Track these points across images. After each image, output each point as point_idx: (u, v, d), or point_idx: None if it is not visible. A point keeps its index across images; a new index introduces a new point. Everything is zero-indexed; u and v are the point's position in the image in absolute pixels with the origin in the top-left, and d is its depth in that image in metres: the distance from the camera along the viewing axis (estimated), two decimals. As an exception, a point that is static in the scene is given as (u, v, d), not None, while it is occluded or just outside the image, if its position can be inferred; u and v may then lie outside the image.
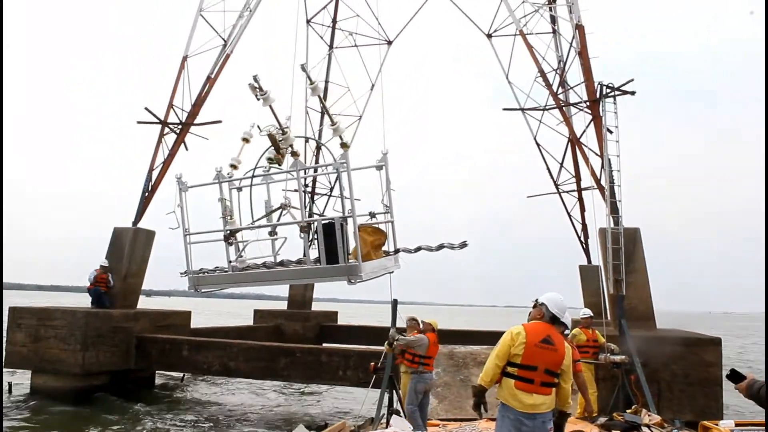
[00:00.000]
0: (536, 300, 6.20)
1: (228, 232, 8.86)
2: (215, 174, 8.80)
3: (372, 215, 9.02)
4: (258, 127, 8.31)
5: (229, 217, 9.00)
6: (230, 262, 8.93)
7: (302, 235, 8.30)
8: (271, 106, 8.22)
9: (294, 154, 8.55)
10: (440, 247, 8.49)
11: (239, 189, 9.04)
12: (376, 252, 8.52)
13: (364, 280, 7.93)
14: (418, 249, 8.73)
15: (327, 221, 7.96)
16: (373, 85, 27.60)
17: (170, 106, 21.29)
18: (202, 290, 9.17)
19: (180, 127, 21.10)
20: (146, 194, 20.88)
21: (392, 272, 8.92)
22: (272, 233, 8.53)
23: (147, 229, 20.61)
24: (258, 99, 8.07)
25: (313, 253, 8.28)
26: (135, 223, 20.59)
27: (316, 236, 8.11)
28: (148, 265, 20.74)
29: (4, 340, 17.69)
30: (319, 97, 8.73)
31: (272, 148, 8.52)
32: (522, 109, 22.95)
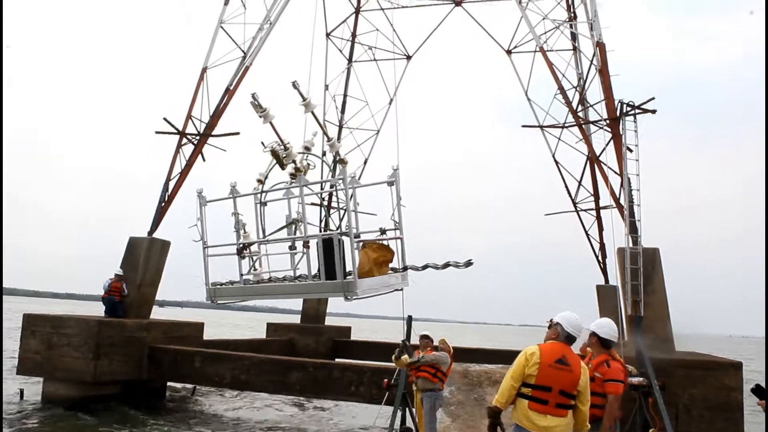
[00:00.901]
0: (551, 320, 6.18)
1: (241, 245, 9.35)
2: (230, 189, 9.37)
3: (382, 231, 9.11)
4: (262, 143, 8.62)
5: (242, 231, 9.49)
6: (242, 275, 9.44)
7: (304, 250, 8.73)
8: (271, 123, 8.50)
9: (297, 170, 8.80)
10: (446, 265, 8.65)
11: (263, 203, 9.53)
12: (380, 269, 8.60)
13: (360, 297, 8.10)
14: (425, 267, 8.87)
15: (326, 237, 8.15)
16: (391, 100, 27.73)
17: (189, 116, 21.46)
18: (219, 302, 9.58)
19: (198, 138, 21.24)
20: (162, 204, 20.97)
21: (400, 289, 9.01)
22: (292, 247, 8.78)
23: (162, 239, 20.69)
24: (259, 116, 8.45)
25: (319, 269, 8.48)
26: (150, 232, 20.68)
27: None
28: (163, 275, 20.80)
29: (18, 346, 17.91)
30: (313, 114, 8.81)
31: (291, 164, 8.88)
32: (541, 126, 22.90)
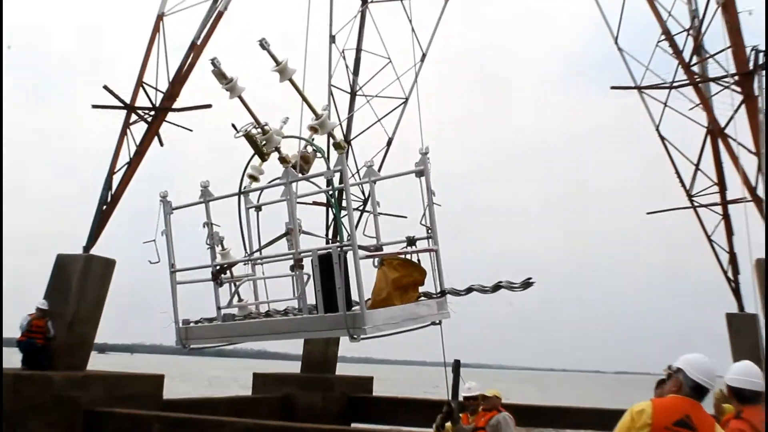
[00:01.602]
0: (670, 366, 6.17)
1: (216, 267, 9.36)
2: (201, 189, 9.49)
3: (410, 242, 9.19)
4: (233, 126, 8.80)
5: (219, 248, 9.58)
6: (219, 308, 9.46)
7: (296, 272, 8.64)
8: (241, 98, 8.69)
9: (282, 160, 8.95)
10: (497, 287, 8.52)
11: (258, 208, 9.70)
12: (404, 294, 8.67)
13: (373, 334, 8.16)
14: (470, 290, 8.80)
15: (324, 252, 8.26)
16: (424, 54, 27.50)
17: (139, 83, 21.61)
18: (192, 346, 9.84)
19: (153, 113, 21.46)
20: (104, 208, 21.14)
21: (437, 323, 9.03)
22: (294, 268, 8.81)
23: (104, 257, 20.84)
24: (224, 89, 8.69)
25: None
26: (87, 248, 20.82)
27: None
28: (105, 308, 20.89)
29: None
30: (292, 83, 8.78)
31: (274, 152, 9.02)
32: (638, 88, 22.72)
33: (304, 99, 9.11)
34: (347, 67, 28.30)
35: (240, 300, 9.72)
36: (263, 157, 8.96)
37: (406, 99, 27.68)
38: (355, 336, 7.87)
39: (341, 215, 8.44)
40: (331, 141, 9.61)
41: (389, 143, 27.62)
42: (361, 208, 26.72)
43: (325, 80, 27.59)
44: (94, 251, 20.83)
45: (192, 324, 9.76)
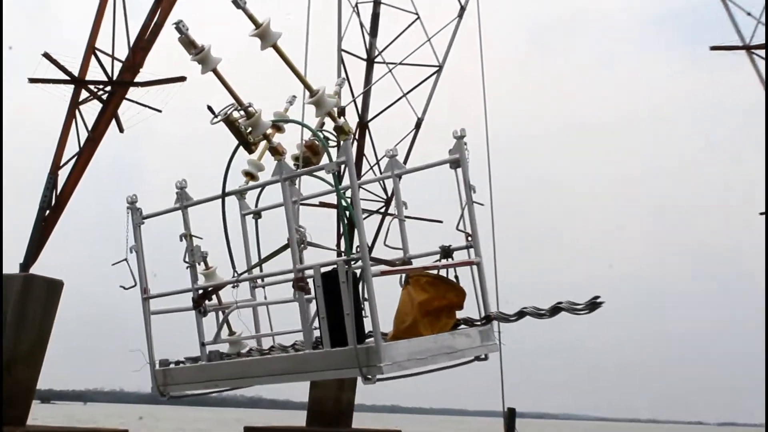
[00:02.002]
0: None
1: (199, 292, 9.33)
2: (176, 191, 9.42)
3: (445, 253, 9.09)
4: (210, 109, 8.78)
5: (201, 266, 9.50)
6: (203, 344, 9.43)
7: (296, 295, 8.64)
8: (216, 72, 8.62)
9: (274, 151, 9.02)
10: (555, 310, 8.45)
11: (257, 215, 9.80)
12: (436, 321, 8.60)
13: (393, 375, 8.08)
14: (521, 314, 8.68)
15: (329, 269, 8.16)
16: (462, 8, 27.62)
17: (90, 50, 22.03)
18: (172, 394, 9.77)
19: (109, 89, 21.86)
20: (46, 213, 21.49)
21: (482, 358, 8.96)
22: (295, 289, 8.82)
23: (48, 278, 21.10)
24: (192, 60, 8.58)
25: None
26: (26, 266, 21.10)
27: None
28: (50, 343, 21.12)
29: None
30: (277, 50, 8.74)
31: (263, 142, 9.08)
32: (747, 47, 22.59)
33: (293, 70, 8.99)
34: (362, 25, 28.33)
35: (231, 333, 9.70)
36: (249, 148, 8.98)
37: (440, 66, 27.74)
38: (369, 376, 7.76)
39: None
40: (332, 124, 9.32)
41: (418, 125, 27.66)
42: (382, 210, 26.75)
43: (333, 44, 27.60)
44: (34, 270, 21.06)
45: (172, 365, 9.71)
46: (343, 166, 8.05)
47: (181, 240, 9.46)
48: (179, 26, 8.42)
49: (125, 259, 9.53)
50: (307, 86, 8.87)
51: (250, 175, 9.49)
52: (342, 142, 8.32)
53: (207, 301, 9.39)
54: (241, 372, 9.35)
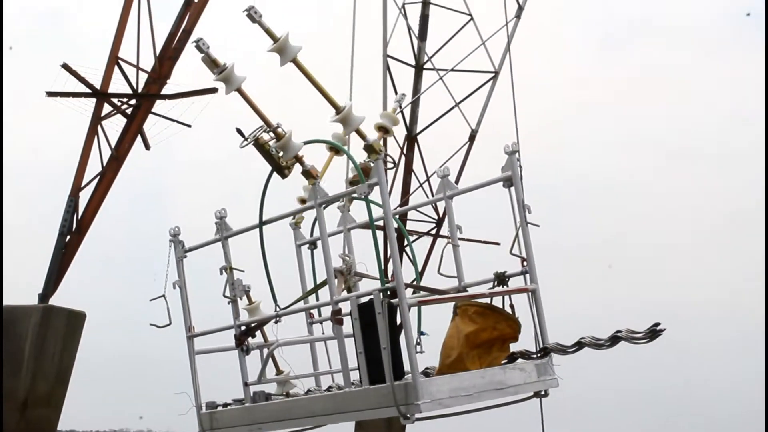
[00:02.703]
0: None
1: (241, 329, 9.52)
2: (216, 220, 9.58)
3: (500, 280, 9.04)
4: (239, 132, 8.93)
5: (242, 300, 9.73)
6: (246, 384, 9.58)
7: (335, 329, 8.73)
8: (241, 91, 8.77)
9: (308, 174, 9.14)
10: (615, 339, 8.39)
11: (312, 245, 10.12)
12: (486, 355, 8.49)
13: (431, 413, 7.98)
14: (580, 346, 8.62)
15: (366, 300, 8.23)
16: (521, 8, 27.39)
17: (113, 61, 21.78)
18: None
19: (134, 102, 21.68)
20: (67, 239, 21.21)
21: (543, 394, 8.84)
22: (336, 320, 8.75)
23: (70, 309, 20.86)
24: (215, 80, 8.82)
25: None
26: (45, 297, 20.80)
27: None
28: (72, 380, 20.87)
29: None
30: (297, 64, 8.68)
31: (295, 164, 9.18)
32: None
33: (317, 85, 8.74)
34: (410, 28, 27.95)
35: (279, 372, 9.84)
36: (282, 172, 9.05)
37: (496, 72, 27.37)
38: (409, 416, 7.66)
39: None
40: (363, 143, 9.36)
41: (472, 138, 27.22)
42: (433, 232, 26.37)
43: (378, 49, 26.94)
44: (54, 301, 20.81)
45: (220, 408, 9.82)
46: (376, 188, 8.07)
47: (221, 273, 9.61)
48: (199, 45, 8.73)
49: (163, 295, 9.78)
50: (332, 103, 8.90)
51: (304, 202, 9.74)
52: (376, 163, 8.25)
53: (250, 339, 9.55)
54: (284, 413, 9.24)
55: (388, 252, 10.40)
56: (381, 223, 9.25)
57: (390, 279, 8.15)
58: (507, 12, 26.96)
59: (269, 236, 9.44)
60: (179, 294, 9.66)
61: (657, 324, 8.14)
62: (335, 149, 9.58)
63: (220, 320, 9.64)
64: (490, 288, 8.96)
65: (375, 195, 8.42)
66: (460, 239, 9.42)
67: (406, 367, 8.01)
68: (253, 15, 8.34)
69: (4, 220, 20.14)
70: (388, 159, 9.99)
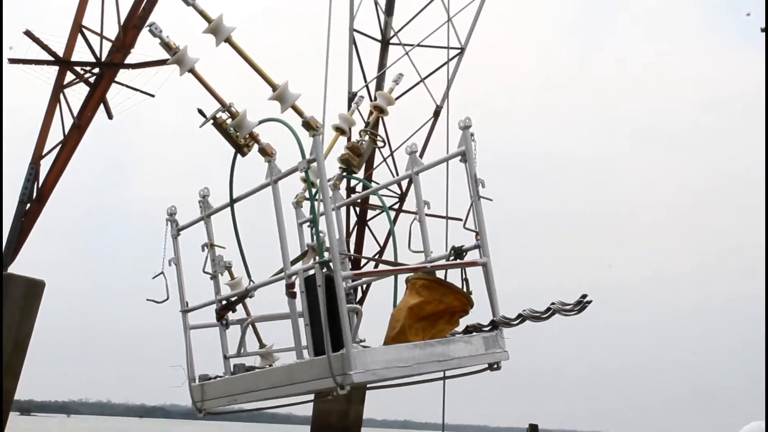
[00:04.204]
0: None
1: (222, 303, 9.75)
2: (200, 199, 9.92)
3: (457, 253, 9.14)
4: (200, 112, 9.10)
5: (224, 275, 10.00)
6: (226, 357, 9.85)
7: (289, 302, 8.89)
8: (194, 72, 8.96)
9: (263, 152, 9.20)
10: (549, 312, 8.55)
11: (312, 224, 9.77)
12: (431, 327, 8.69)
13: (369, 383, 8.38)
14: (521, 319, 8.71)
15: (309, 274, 8.48)
16: None
17: (77, 28, 22.03)
18: (207, 412, 10.18)
19: (97, 71, 21.94)
20: (27, 207, 21.61)
21: (494, 366, 8.92)
22: (290, 293, 9.05)
23: (28, 278, 21.16)
24: (169, 63, 8.96)
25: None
26: (4, 264, 21.08)
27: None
28: (30, 350, 21.24)
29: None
30: (231, 43, 8.96)
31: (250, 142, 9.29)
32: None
33: (252, 64, 9.13)
34: (376, 3, 28.53)
35: (262, 346, 10.15)
36: (241, 151, 9.28)
37: (462, 49, 27.82)
38: (344, 386, 7.91)
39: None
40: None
41: (437, 114, 27.82)
42: (396, 207, 26.75)
43: (344, 23, 27.45)
44: (13, 269, 21.11)
45: (211, 380, 10.06)
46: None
47: (203, 250, 9.91)
48: (152, 29, 8.73)
49: (162, 273, 9.95)
50: (267, 81, 9.03)
51: (340, 130, 10.07)
52: (314, 139, 8.43)
53: (231, 313, 9.77)
54: (252, 385, 9.56)
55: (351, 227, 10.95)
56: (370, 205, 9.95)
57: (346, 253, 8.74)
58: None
59: (269, 213, 9.19)
60: (175, 270, 9.94)
61: (584, 296, 8.34)
62: (341, 129, 9.99)
63: (209, 295, 9.87)
64: (447, 260, 9.05)
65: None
66: (427, 215, 9.49)
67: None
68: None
69: None
70: (378, 138, 10.14)
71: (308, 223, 10.10)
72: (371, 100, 26.91)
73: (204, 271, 9.85)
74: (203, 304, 9.94)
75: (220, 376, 10.01)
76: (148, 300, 10.10)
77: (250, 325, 10.05)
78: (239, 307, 9.82)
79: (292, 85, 8.96)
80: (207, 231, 9.85)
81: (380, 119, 10.18)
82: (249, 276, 9.68)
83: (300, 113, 8.87)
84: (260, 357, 9.98)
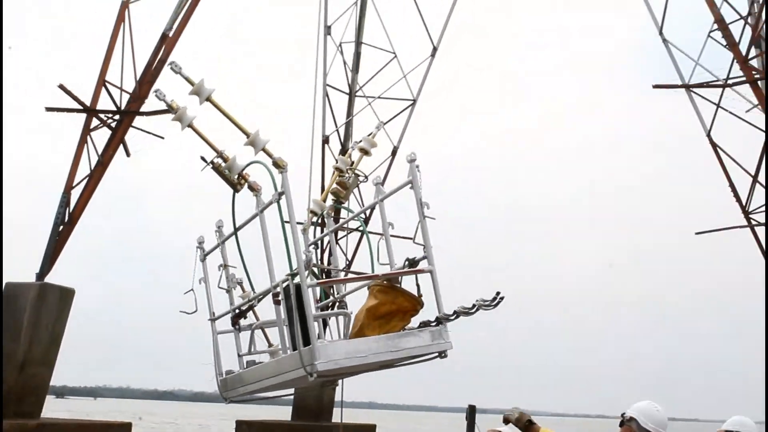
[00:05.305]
0: (623, 414, 7.10)
1: (234, 312, 10.00)
2: (215, 230, 10.19)
3: (411, 263, 9.19)
4: (202, 158, 9.38)
5: (236, 289, 10.26)
6: (240, 355, 10.17)
7: (275, 308, 9.04)
8: (192, 127, 9.30)
9: (251, 187, 9.38)
10: (474, 308, 8.69)
11: (316, 245, 11.10)
12: (386, 324, 8.79)
13: (330, 374, 8.49)
14: (456, 315, 8.83)
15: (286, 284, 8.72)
16: (435, 49, 27.97)
17: (101, 82, 21.71)
18: (231, 400, 10.56)
19: (118, 117, 21.51)
20: (60, 228, 21.20)
21: (439, 355, 9.00)
22: (275, 301, 9.14)
23: (61, 286, 20.89)
24: (173, 120, 9.35)
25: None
26: (42, 275, 20.85)
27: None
28: (63, 345, 20.90)
29: None
30: (212, 102, 9.25)
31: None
32: (687, 86, 22.68)
33: (229, 118, 9.22)
34: (345, 63, 28.62)
35: (270, 345, 10.24)
36: (235, 188, 9.44)
37: (414, 101, 27.99)
38: (313, 375, 8.14)
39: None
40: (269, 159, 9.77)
41: (394, 152, 27.86)
42: (361, 228, 26.73)
43: (319, 79, 27.30)
44: (49, 279, 20.87)
45: (230, 375, 10.37)
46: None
47: (219, 269, 10.16)
48: (158, 95, 9.23)
49: (192, 290, 10.24)
50: (242, 130, 9.22)
51: (313, 213, 10.35)
52: (282, 174, 8.63)
53: (243, 320, 9.95)
54: (254, 377, 9.83)
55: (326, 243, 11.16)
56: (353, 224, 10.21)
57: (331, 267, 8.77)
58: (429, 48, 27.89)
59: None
60: (202, 289, 10.22)
61: (498, 293, 8.55)
62: (364, 150, 10.24)
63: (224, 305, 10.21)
64: (401, 269, 9.07)
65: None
66: (393, 235, 9.45)
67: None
68: (174, 68, 9.09)
69: (7, 214, 20.27)
70: (360, 174, 10.35)
71: (313, 246, 10.61)
72: (340, 142, 27.74)
73: (219, 287, 10.09)
74: (224, 313, 10.11)
75: (232, 371, 10.29)
76: (180, 312, 10.33)
77: (258, 328, 10.22)
78: (249, 313, 9.93)
79: (267, 133, 9.18)
80: (222, 255, 10.06)
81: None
82: (253, 289, 9.93)
83: (269, 155, 9.07)
84: (269, 354, 10.12)
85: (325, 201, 10.42)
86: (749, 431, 8.00)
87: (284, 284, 8.62)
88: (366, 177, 10.07)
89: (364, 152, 10.23)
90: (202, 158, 9.32)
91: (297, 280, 8.46)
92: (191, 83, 9.14)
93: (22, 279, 20.68)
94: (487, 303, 8.60)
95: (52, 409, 21.45)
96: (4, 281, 20.45)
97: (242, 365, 10.04)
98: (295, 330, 8.30)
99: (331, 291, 10.55)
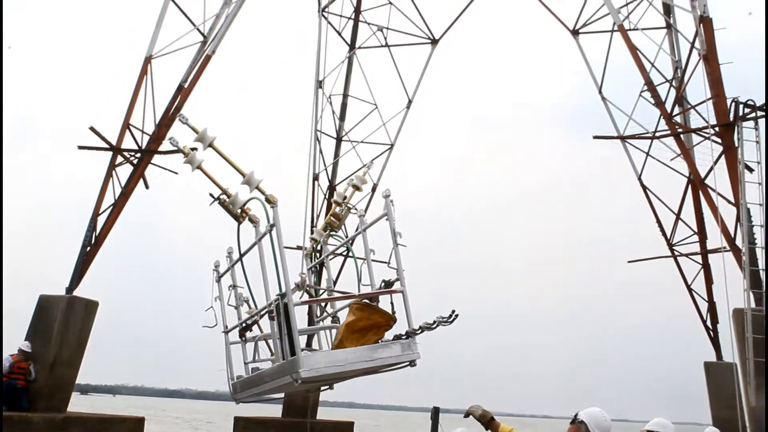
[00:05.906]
0: (576, 415, 7.02)
1: (242, 325, 10.12)
2: (227, 254, 10.33)
3: (387, 284, 9.25)
4: (211, 195, 9.50)
5: (246, 307, 10.32)
6: (246, 363, 10.22)
7: (270, 324, 9.02)
8: (201, 169, 9.40)
9: (251, 220, 9.43)
10: (435, 324, 8.72)
11: (317, 268, 10.80)
12: (362, 338, 8.80)
13: (314, 381, 8.56)
14: (421, 329, 8.87)
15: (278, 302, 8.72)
16: (410, 101, 28.16)
17: (126, 126, 21.76)
18: (241, 401, 10.65)
19: (139, 155, 21.58)
20: (88, 249, 21.24)
21: (410, 364, 9.02)
22: (270, 317, 9.17)
23: (87, 299, 20.90)
24: (184, 163, 9.50)
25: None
26: (70, 289, 20.85)
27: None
28: (87, 349, 20.92)
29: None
30: (214, 148, 9.47)
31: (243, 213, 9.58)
32: (622, 137, 23.00)
33: (229, 162, 9.34)
34: (333, 112, 28.70)
35: (272, 354, 10.10)
36: (237, 220, 9.49)
37: (392, 145, 28.14)
38: (297, 381, 8.18)
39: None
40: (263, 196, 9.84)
41: (374, 189, 27.76)
42: (344, 253, 26.81)
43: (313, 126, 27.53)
44: (77, 292, 20.86)
45: (238, 380, 10.41)
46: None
47: (229, 290, 10.32)
48: (171, 141, 9.39)
49: (212, 307, 10.39)
50: (239, 171, 9.32)
51: (315, 241, 10.72)
52: (273, 209, 8.65)
53: (248, 332, 10.09)
54: (257, 381, 9.84)
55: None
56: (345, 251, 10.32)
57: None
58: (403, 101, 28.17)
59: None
60: (216, 307, 10.39)
61: (453, 311, 8.61)
62: (356, 187, 10.47)
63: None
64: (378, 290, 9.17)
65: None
66: (374, 260, 9.54)
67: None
68: (181, 120, 9.30)
69: (46, 235, 20.47)
70: (353, 208, 10.55)
71: (313, 268, 10.74)
72: (329, 180, 27.87)
73: (228, 304, 10.22)
74: (234, 327, 10.15)
75: (242, 376, 10.34)
76: (203, 327, 10.45)
77: (261, 340, 10.21)
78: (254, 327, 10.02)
79: (261, 173, 9.21)
80: (232, 277, 10.18)
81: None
82: (256, 306, 9.94)
83: (262, 192, 9.18)
84: (271, 362, 10.00)
85: (325, 230, 10.54)
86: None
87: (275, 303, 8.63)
88: (358, 210, 10.17)
89: (356, 188, 10.43)
90: (210, 195, 9.40)
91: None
92: (196, 131, 9.29)
93: (54, 292, 20.62)
94: (444, 319, 8.70)
95: (77, 404, 21.41)
96: (39, 294, 20.52)
97: (248, 371, 10.06)
98: (283, 342, 8.40)
99: (324, 308, 10.74)
